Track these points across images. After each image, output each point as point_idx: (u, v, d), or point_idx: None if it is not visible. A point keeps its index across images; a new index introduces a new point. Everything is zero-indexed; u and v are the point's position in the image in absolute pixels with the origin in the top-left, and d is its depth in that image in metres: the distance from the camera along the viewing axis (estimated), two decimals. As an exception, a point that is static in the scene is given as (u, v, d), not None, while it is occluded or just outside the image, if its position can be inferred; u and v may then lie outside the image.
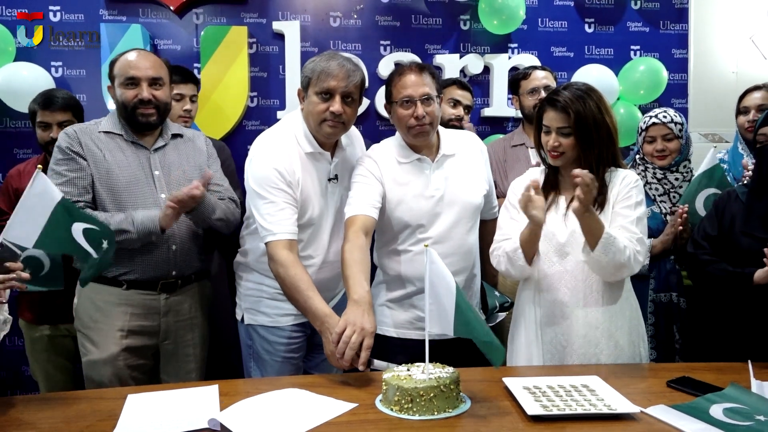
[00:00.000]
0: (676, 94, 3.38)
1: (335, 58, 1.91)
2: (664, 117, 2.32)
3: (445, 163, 2.02)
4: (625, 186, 1.82)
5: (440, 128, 2.06)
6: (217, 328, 2.58)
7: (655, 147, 2.34)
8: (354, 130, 2.15)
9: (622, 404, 1.41)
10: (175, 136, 2.14)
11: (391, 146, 2.04)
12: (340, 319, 1.64)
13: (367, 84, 3.09)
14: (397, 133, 2.04)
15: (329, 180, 2.00)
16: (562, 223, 1.83)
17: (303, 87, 1.95)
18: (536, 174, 1.97)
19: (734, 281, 1.85)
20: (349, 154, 2.08)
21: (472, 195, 2.02)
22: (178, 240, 2.03)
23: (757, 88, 2.62)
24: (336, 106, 1.87)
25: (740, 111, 2.64)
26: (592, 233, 1.71)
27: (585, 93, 1.81)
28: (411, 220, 1.96)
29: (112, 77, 2.04)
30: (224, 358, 2.53)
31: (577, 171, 1.66)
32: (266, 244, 1.86)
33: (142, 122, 2.01)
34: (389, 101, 2.00)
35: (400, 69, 1.97)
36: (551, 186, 1.92)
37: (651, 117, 2.36)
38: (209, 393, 1.54)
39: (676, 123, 2.31)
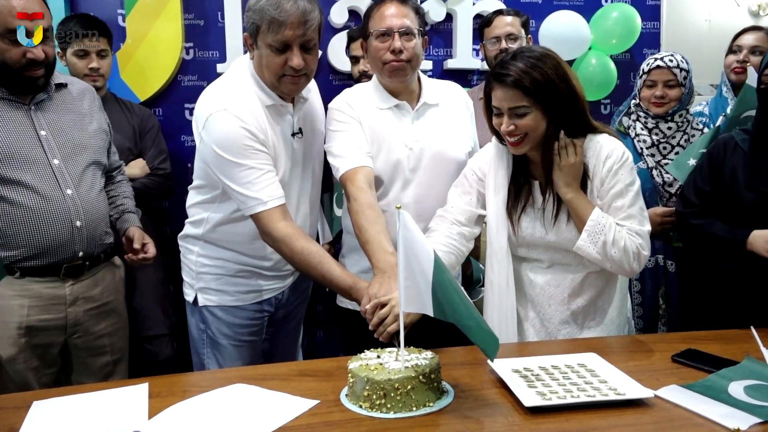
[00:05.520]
0: (648, 43, 3.18)
1: None
2: (671, 61, 2.13)
3: (427, 113, 1.83)
4: (608, 168, 1.52)
5: (422, 75, 1.86)
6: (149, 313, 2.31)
7: (654, 92, 2.14)
8: None
9: (631, 388, 1.20)
10: (59, 86, 1.76)
11: (368, 90, 1.84)
12: (366, 291, 1.49)
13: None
14: (374, 77, 1.84)
15: (293, 135, 1.74)
16: (540, 225, 1.58)
17: (250, 34, 1.62)
18: (496, 148, 1.67)
19: (726, 247, 1.67)
20: (309, 104, 1.82)
21: (455, 151, 1.83)
22: (83, 214, 1.68)
23: (754, 28, 2.52)
24: (296, 60, 1.58)
25: (731, 50, 2.52)
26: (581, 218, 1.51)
27: (538, 60, 1.48)
28: (385, 175, 1.77)
29: None
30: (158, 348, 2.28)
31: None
32: (256, 216, 1.61)
33: (30, 86, 1.65)
34: (365, 37, 1.79)
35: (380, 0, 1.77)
36: (524, 176, 1.61)
37: (656, 59, 2.16)
38: (136, 395, 1.26)
39: (681, 69, 2.13)
